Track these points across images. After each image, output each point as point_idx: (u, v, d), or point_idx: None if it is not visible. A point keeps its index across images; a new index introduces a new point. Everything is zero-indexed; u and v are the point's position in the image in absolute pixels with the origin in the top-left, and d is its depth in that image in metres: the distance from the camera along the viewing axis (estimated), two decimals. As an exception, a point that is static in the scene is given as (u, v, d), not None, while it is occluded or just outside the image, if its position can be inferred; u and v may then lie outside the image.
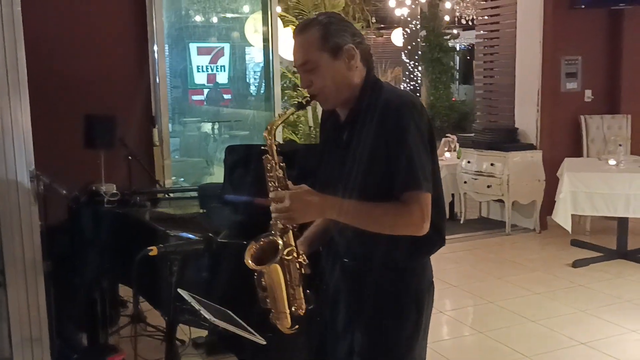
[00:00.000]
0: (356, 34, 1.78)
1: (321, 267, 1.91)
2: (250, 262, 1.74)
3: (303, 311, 1.79)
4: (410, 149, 1.68)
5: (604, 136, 6.58)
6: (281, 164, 1.74)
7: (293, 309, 1.79)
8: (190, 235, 2.49)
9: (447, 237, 6.09)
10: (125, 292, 4.00)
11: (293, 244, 1.78)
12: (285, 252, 1.75)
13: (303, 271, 1.79)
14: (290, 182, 1.74)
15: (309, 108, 7.14)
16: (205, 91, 6.90)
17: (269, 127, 1.76)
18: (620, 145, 5.42)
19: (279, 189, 1.72)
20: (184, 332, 3.69)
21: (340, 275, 1.87)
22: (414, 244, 1.75)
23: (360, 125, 1.74)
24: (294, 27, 1.84)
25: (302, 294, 1.79)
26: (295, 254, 1.78)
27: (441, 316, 4.35)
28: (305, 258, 1.80)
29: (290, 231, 1.76)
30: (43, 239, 3.03)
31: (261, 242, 1.78)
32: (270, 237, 1.77)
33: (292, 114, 1.85)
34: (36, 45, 4.45)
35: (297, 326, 1.80)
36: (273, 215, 1.72)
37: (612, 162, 5.27)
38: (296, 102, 1.83)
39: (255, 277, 1.79)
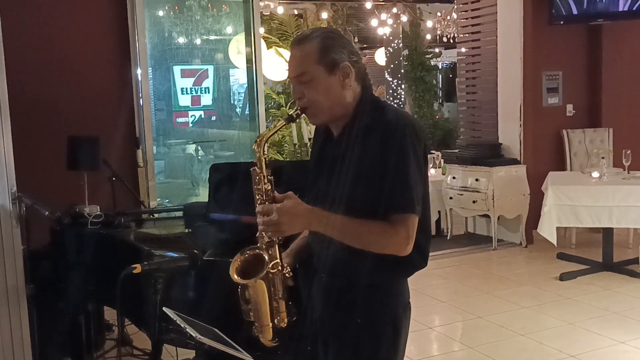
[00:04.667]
0: (354, 52, 1.79)
1: (299, 282, 1.90)
2: (235, 276, 1.73)
3: (285, 324, 1.79)
4: (407, 171, 1.68)
5: (586, 149, 6.65)
6: (269, 177, 1.73)
7: (276, 322, 1.78)
8: (175, 255, 2.46)
9: (434, 253, 6.10)
10: (110, 315, 3.94)
11: (278, 257, 1.77)
12: (270, 266, 1.74)
13: (287, 284, 1.79)
14: (277, 193, 1.73)
15: (294, 127, 7.16)
16: (190, 113, 6.88)
17: (258, 140, 1.75)
18: (602, 158, 5.48)
19: (266, 202, 1.71)
20: (170, 354, 3.63)
21: (317, 291, 1.85)
22: (395, 263, 1.74)
23: (356, 142, 1.74)
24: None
25: (285, 307, 1.79)
26: (280, 267, 1.77)
27: (430, 332, 4.33)
28: (289, 271, 1.80)
29: (276, 244, 1.75)
30: (25, 262, 2.98)
31: (246, 255, 1.77)
32: (256, 251, 1.76)
33: (283, 126, 1.84)
34: (18, 68, 4.45)
35: (277, 340, 1.79)
36: (260, 228, 1.71)
37: (595, 174, 5.32)
38: (286, 115, 1.82)
39: (239, 290, 1.77)
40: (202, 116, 6.84)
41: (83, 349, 3.35)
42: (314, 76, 1.73)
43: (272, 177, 1.74)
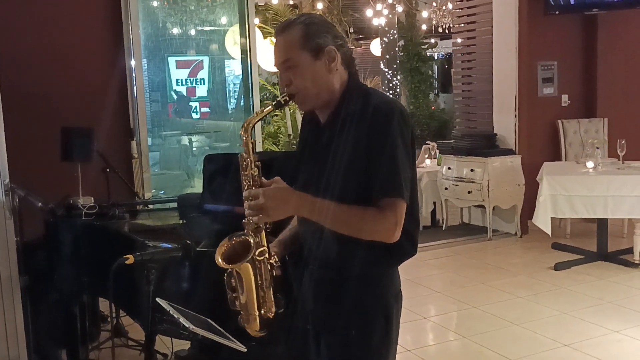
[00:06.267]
0: (338, 36, 1.77)
1: (289, 273, 1.88)
2: (220, 260, 1.72)
3: (272, 314, 1.77)
4: (395, 156, 1.67)
5: (581, 140, 6.65)
6: (257, 162, 1.72)
7: (263, 312, 1.76)
8: (169, 246, 2.46)
9: (429, 243, 6.06)
10: (106, 307, 3.94)
11: (265, 244, 1.75)
12: (257, 252, 1.72)
13: (274, 273, 1.77)
14: (264, 178, 1.72)
15: (288, 116, 7.14)
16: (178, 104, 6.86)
17: (245, 125, 1.74)
18: (597, 148, 5.48)
19: (253, 187, 1.70)
20: (166, 345, 3.64)
21: (307, 282, 1.83)
22: (385, 252, 1.73)
23: (342, 128, 1.72)
24: (272, 39, 1.84)
25: (272, 297, 1.76)
26: (267, 255, 1.75)
27: (425, 322, 4.34)
28: (277, 260, 1.78)
29: (263, 231, 1.74)
30: (19, 254, 2.97)
31: (233, 241, 1.75)
32: (243, 237, 1.74)
33: (270, 112, 1.82)
34: (10, 60, 4.43)
35: (264, 330, 1.77)
36: (246, 212, 1.69)
37: (590, 165, 5.32)
38: (275, 101, 1.81)
39: (225, 278, 1.76)
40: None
41: (78, 340, 3.35)
42: (299, 62, 1.72)
43: (260, 162, 1.72)
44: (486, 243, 6.32)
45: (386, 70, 11.78)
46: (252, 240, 1.72)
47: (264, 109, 1.81)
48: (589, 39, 6.82)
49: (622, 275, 5.10)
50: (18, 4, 4.60)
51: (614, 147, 5.43)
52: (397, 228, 1.68)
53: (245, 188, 1.71)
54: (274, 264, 1.77)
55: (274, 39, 1.83)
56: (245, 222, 1.72)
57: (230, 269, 1.74)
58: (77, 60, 4.79)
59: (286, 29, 1.75)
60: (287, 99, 1.77)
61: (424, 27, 11.41)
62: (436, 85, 14.90)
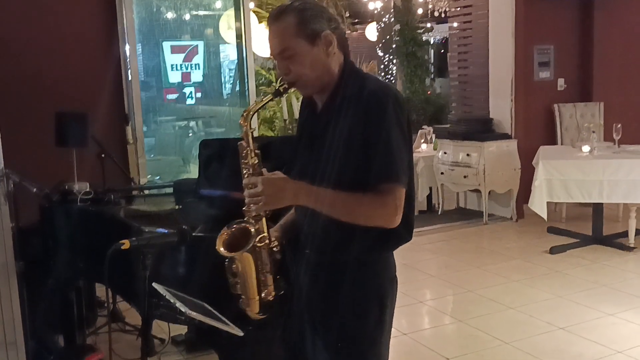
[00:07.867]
0: (332, 19, 1.76)
1: (287, 259, 1.89)
2: (222, 249, 1.73)
3: (272, 297, 1.79)
4: (391, 141, 1.66)
5: (577, 124, 6.66)
6: (256, 151, 1.72)
7: (263, 295, 1.78)
8: (165, 231, 2.45)
9: (425, 228, 6.05)
10: (103, 292, 3.95)
11: (265, 230, 1.76)
12: (257, 239, 1.74)
13: (275, 257, 1.79)
14: (265, 169, 1.72)
15: (284, 102, 7.12)
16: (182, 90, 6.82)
17: (244, 114, 1.74)
18: (593, 132, 5.48)
19: (252, 176, 1.70)
20: (163, 330, 3.65)
21: (303, 266, 1.84)
22: (381, 237, 1.73)
23: (339, 113, 1.72)
24: (267, 24, 1.81)
25: (272, 281, 1.79)
26: (267, 241, 1.77)
27: (421, 306, 4.36)
28: (277, 245, 1.79)
29: (263, 218, 1.75)
30: (15, 240, 2.97)
31: (233, 229, 1.77)
32: (242, 224, 1.76)
33: (270, 100, 1.82)
34: (3, 45, 4.39)
35: (264, 313, 1.79)
36: (246, 200, 1.70)
37: (585, 149, 5.33)
38: (274, 90, 1.80)
39: (226, 263, 1.77)
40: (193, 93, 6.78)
41: (74, 325, 3.35)
42: (296, 50, 1.70)
43: (259, 151, 1.73)
44: (482, 227, 6.34)
45: (382, 54, 11.74)
46: (252, 228, 1.73)
47: (263, 98, 1.80)
48: (585, 23, 6.81)
49: (616, 259, 5.13)
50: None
51: (610, 131, 5.43)
52: (398, 213, 1.68)
53: (245, 176, 1.72)
54: (274, 249, 1.79)
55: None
56: (245, 210, 1.73)
57: (231, 257, 1.75)
58: (71, 45, 4.76)
59: (280, 16, 1.72)
60: (287, 87, 1.77)
61: (420, 11, 11.34)
62: (432, 70, 14.84)
